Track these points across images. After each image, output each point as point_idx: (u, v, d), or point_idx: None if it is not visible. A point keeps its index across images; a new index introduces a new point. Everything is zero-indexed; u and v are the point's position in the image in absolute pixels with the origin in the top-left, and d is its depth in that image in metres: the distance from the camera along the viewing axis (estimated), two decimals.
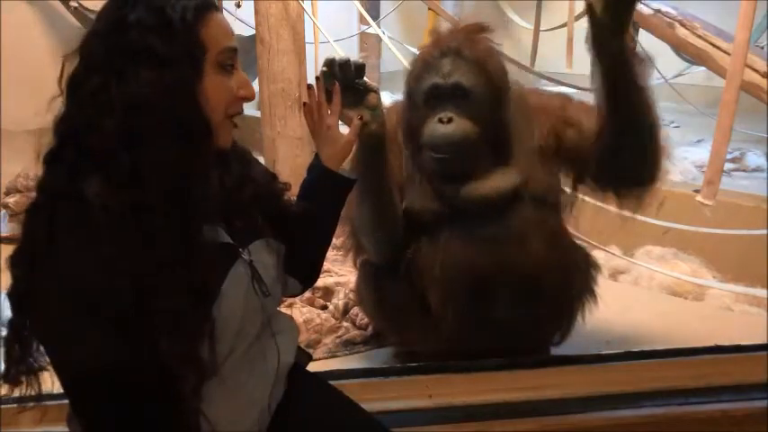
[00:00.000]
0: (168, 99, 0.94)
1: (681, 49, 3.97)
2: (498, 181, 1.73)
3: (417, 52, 1.82)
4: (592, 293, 1.92)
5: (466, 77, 1.67)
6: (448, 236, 1.74)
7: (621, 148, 1.65)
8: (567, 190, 1.88)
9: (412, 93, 1.75)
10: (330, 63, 1.40)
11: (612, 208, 2.67)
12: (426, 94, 1.69)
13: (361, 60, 1.42)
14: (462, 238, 1.73)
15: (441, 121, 1.66)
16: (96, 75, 0.94)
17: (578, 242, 2.00)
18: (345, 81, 1.38)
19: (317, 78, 1.32)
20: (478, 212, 1.72)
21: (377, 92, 1.51)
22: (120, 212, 0.91)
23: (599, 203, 2.64)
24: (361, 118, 1.37)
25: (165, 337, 0.92)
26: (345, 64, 1.40)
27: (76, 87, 0.96)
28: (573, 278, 1.86)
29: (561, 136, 1.75)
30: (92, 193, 0.91)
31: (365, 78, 1.47)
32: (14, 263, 0.96)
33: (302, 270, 1.27)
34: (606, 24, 1.47)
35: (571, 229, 1.95)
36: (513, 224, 1.72)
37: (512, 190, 1.72)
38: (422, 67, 1.72)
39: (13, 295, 0.96)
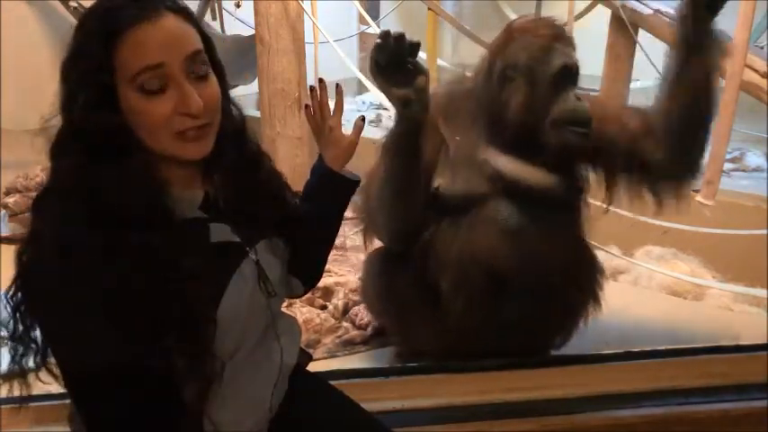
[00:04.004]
0: (79, 114, 0.95)
1: None
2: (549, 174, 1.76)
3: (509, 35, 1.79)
4: (596, 300, 1.92)
5: (576, 59, 1.74)
6: (471, 221, 1.73)
7: (675, 134, 1.73)
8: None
9: (532, 73, 1.72)
10: (385, 35, 1.34)
11: (612, 207, 2.68)
12: (557, 74, 1.70)
13: (416, 39, 1.36)
14: (486, 225, 1.72)
15: (578, 99, 1.71)
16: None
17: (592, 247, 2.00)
18: (398, 57, 1.34)
19: (319, 79, 1.32)
20: (525, 200, 1.74)
21: (427, 75, 1.45)
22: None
23: (598, 203, 2.66)
24: (362, 118, 1.37)
25: (170, 339, 0.92)
26: (400, 39, 1.34)
27: None
28: (584, 283, 1.87)
29: (599, 133, 1.78)
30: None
31: (418, 59, 1.41)
32: (21, 257, 0.95)
33: (305, 271, 1.27)
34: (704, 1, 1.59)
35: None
36: (541, 220, 1.73)
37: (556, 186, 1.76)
38: (540, 49, 1.72)
39: (16, 291, 0.96)
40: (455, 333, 1.78)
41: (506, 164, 1.74)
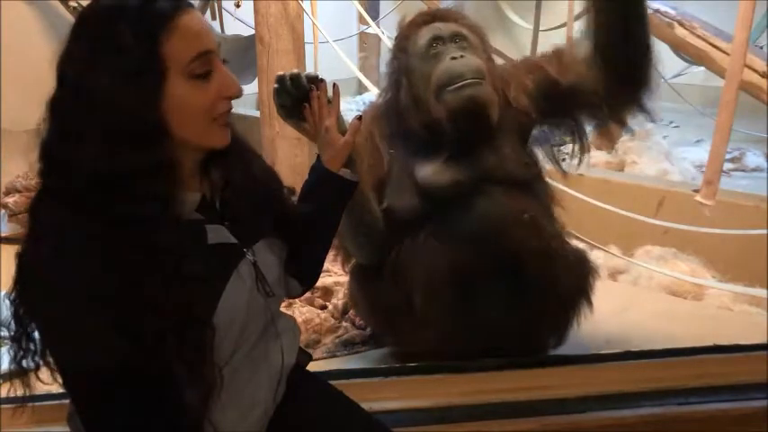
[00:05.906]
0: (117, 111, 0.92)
1: (680, 48, 3.97)
2: (493, 165, 1.73)
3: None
4: (587, 298, 1.89)
5: (461, 27, 1.73)
6: (426, 234, 1.73)
7: (616, 45, 1.65)
8: (550, 180, 1.89)
9: (407, 62, 1.73)
10: (281, 79, 1.37)
11: (612, 207, 2.68)
12: (427, 46, 1.70)
13: (313, 73, 1.38)
14: (440, 234, 1.72)
15: (453, 58, 1.67)
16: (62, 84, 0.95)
17: (575, 243, 1.98)
18: (300, 95, 1.34)
19: (320, 80, 1.32)
20: (462, 201, 1.71)
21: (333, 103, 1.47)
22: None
23: (598, 203, 2.66)
24: (359, 118, 1.37)
25: (169, 341, 0.92)
26: (296, 78, 1.36)
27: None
28: (561, 269, 1.81)
29: (541, 79, 1.76)
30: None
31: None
32: (21, 258, 0.95)
33: (303, 271, 1.27)
34: None
35: (571, 229, 1.94)
36: (491, 215, 1.71)
37: (501, 176, 1.73)
38: (412, 35, 1.73)
39: (16, 290, 0.96)
40: (435, 339, 1.78)
41: (433, 169, 1.72)
